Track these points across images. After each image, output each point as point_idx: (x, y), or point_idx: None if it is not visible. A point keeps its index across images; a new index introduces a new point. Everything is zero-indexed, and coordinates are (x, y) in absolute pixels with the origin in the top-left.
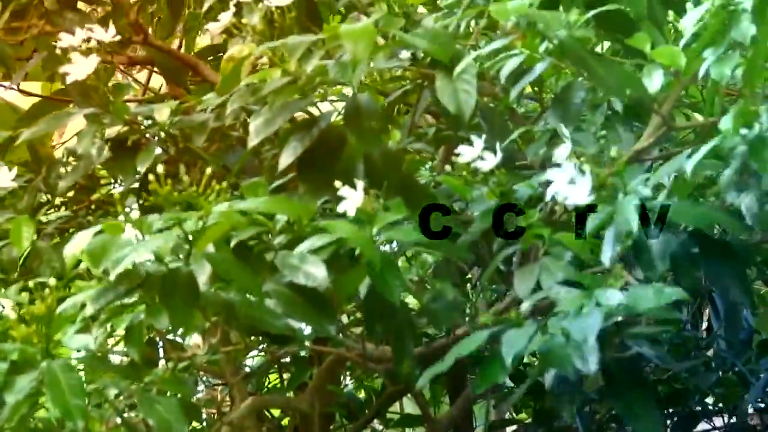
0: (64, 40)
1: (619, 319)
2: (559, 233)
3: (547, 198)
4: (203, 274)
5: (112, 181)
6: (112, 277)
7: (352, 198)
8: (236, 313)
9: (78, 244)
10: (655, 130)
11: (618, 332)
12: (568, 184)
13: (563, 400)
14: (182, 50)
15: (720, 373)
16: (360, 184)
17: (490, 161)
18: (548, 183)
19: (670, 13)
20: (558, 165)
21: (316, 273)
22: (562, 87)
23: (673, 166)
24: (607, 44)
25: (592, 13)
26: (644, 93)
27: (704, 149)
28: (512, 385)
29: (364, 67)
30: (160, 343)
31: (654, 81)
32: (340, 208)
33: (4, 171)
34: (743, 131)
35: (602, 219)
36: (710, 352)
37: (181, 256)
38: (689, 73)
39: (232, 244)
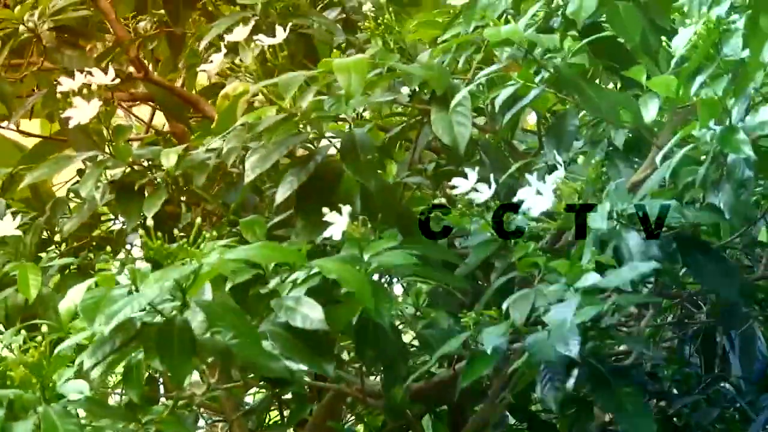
0: (64, 84)
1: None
2: (554, 261)
3: (519, 215)
4: (198, 319)
5: (113, 217)
6: (106, 332)
7: (338, 223)
8: (234, 358)
9: (72, 298)
10: (652, 162)
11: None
12: (535, 195)
13: (549, 396)
14: (183, 87)
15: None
16: (346, 209)
17: (484, 193)
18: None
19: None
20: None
21: (312, 315)
22: (556, 116)
23: (657, 177)
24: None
25: (586, 40)
26: (639, 119)
27: (681, 153)
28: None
29: (359, 99)
30: (161, 380)
31: (650, 110)
32: (326, 233)
33: (8, 218)
34: (713, 125)
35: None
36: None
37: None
38: (686, 98)
39: (228, 287)
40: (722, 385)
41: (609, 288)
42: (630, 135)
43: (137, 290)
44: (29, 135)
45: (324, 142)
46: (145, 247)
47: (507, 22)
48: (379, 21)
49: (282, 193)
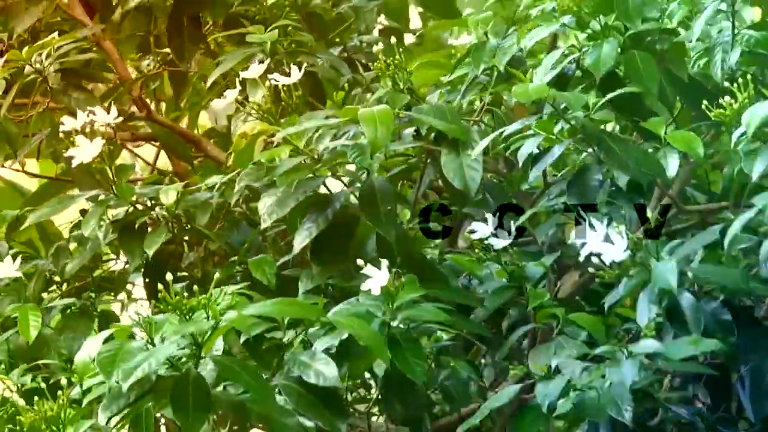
0: (67, 123)
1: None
2: (573, 313)
3: (581, 258)
4: (212, 372)
5: (114, 257)
6: (124, 388)
7: (378, 278)
8: (247, 412)
9: (88, 351)
10: (663, 211)
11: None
12: (603, 242)
13: None
14: (186, 126)
15: None
16: (384, 264)
17: (502, 239)
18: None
19: None
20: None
21: (326, 372)
22: (578, 167)
23: (705, 238)
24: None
25: (609, 96)
26: (662, 174)
27: (740, 223)
28: None
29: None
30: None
31: (671, 166)
32: (364, 287)
33: (9, 260)
34: None
35: (637, 282)
36: None
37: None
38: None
39: (242, 340)
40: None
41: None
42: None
43: (153, 344)
44: (34, 175)
45: (340, 185)
46: (163, 301)
47: (513, 66)
48: (388, 62)
49: (300, 241)
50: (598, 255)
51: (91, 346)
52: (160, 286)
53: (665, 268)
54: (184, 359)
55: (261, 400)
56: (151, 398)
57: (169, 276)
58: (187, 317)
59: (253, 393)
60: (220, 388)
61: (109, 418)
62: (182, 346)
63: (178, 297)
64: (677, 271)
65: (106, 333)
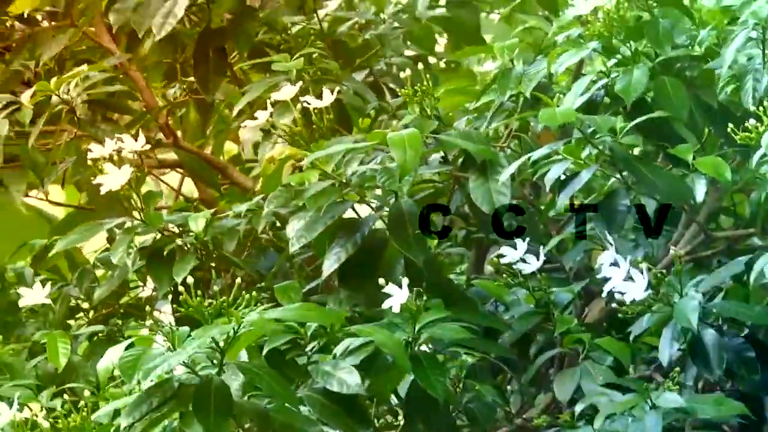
0: (95, 150)
1: None
2: (599, 338)
3: (604, 294)
4: (236, 383)
5: (141, 284)
6: (144, 387)
7: (398, 296)
8: (271, 421)
9: (110, 358)
10: (691, 237)
11: None
12: (625, 280)
13: None
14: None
15: None
16: (405, 282)
17: (533, 264)
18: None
19: None
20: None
21: (349, 380)
22: (606, 193)
23: (729, 271)
24: None
25: (637, 120)
26: (693, 200)
27: (765, 260)
28: None
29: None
30: None
31: (698, 192)
32: (385, 305)
33: (38, 287)
34: None
35: (659, 318)
36: None
37: (213, 361)
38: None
39: (265, 350)
40: None
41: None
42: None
43: (175, 350)
44: (58, 204)
45: (367, 209)
46: (183, 304)
47: (541, 90)
48: (416, 88)
49: (329, 266)
50: (620, 293)
51: (113, 354)
52: (181, 289)
53: (687, 306)
54: (206, 367)
55: (285, 408)
56: (173, 405)
57: (189, 279)
58: (209, 321)
59: (279, 400)
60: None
61: (132, 424)
62: (205, 355)
63: (199, 299)
64: (699, 309)
65: (127, 342)
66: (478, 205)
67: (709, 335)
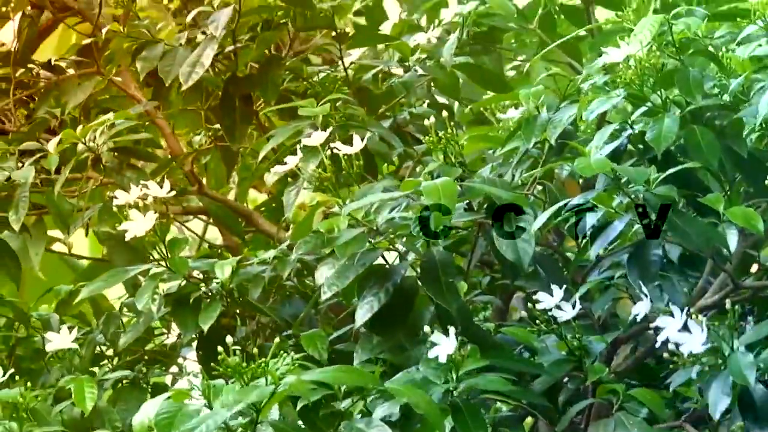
0: (121, 197)
1: None
2: (633, 389)
3: (658, 344)
4: None
5: (165, 331)
6: None
7: (445, 345)
8: None
9: (146, 413)
10: (720, 286)
11: None
12: (680, 331)
13: None
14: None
15: None
16: (452, 331)
17: (568, 312)
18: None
19: None
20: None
21: None
22: (637, 243)
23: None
24: None
25: (671, 171)
26: (727, 249)
27: None
28: None
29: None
30: None
31: (731, 242)
32: (431, 354)
33: (65, 332)
34: None
35: (710, 371)
36: None
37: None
38: None
39: (299, 405)
40: None
41: None
42: (686, 250)
43: (210, 407)
44: (80, 257)
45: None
46: (222, 364)
47: (566, 137)
48: (440, 135)
49: (362, 316)
50: (677, 344)
51: (149, 409)
52: (220, 349)
53: (743, 363)
54: (241, 425)
55: None
56: None
57: (229, 339)
58: (247, 382)
59: None
60: None
61: None
62: (241, 411)
63: (237, 360)
64: (755, 366)
65: (163, 396)
66: (503, 253)
67: (759, 390)
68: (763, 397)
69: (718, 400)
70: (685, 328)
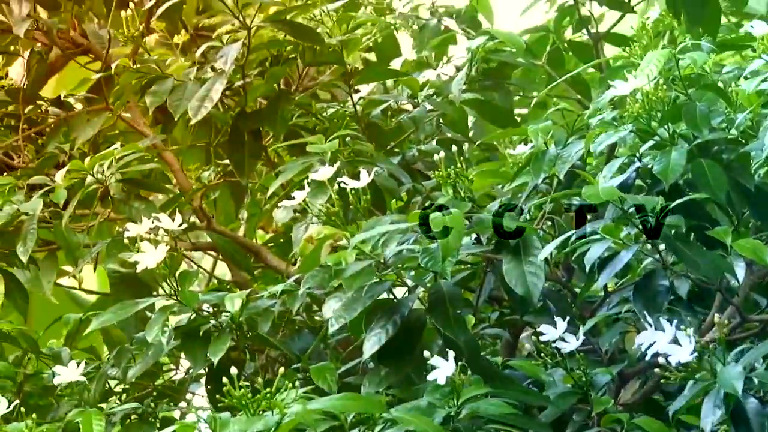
0: (131, 229)
1: None
2: (637, 418)
3: (648, 357)
4: None
5: (174, 367)
6: None
7: (444, 368)
8: None
9: None
10: (728, 320)
11: None
12: (670, 344)
13: None
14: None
15: None
16: (451, 354)
17: (571, 344)
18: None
19: None
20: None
21: None
22: (644, 273)
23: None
24: None
25: (678, 201)
26: (735, 279)
27: None
28: None
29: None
30: None
31: (739, 274)
32: (430, 377)
33: (72, 365)
34: None
35: (703, 386)
36: None
37: None
38: None
39: None
40: None
41: None
42: (694, 286)
43: None
44: (90, 292)
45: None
46: (227, 395)
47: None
48: (449, 170)
49: (369, 348)
50: (665, 356)
51: None
52: (225, 380)
53: (731, 374)
54: None
55: None
56: None
57: (233, 370)
58: (254, 414)
59: None
60: None
61: None
62: None
63: (243, 391)
64: (743, 376)
65: (170, 429)
66: (512, 287)
67: (752, 403)
68: (756, 410)
69: (709, 413)
70: (675, 341)
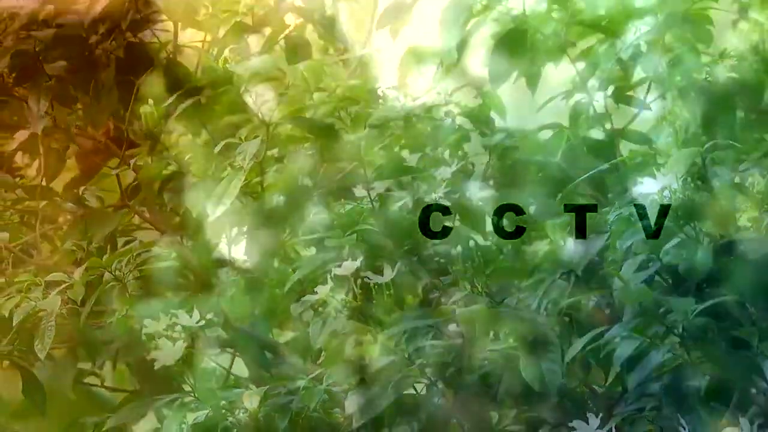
0: (149, 326)
1: None
2: None
3: None
4: None
5: None
6: None
7: None
8: None
9: None
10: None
11: None
12: None
13: None
14: None
15: None
16: None
17: None
18: None
19: None
20: None
21: None
22: (674, 372)
23: None
24: None
25: (709, 302)
26: (765, 381)
27: None
28: None
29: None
30: None
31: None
32: None
33: None
34: None
35: None
36: None
37: None
38: None
39: None
40: None
41: None
42: (713, 381)
43: None
44: (113, 390)
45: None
46: None
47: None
48: (466, 265)
49: None
50: None
51: None
52: None
53: None
54: None
55: None
56: None
57: None
58: None
59: None
60: None
61: None
62: None
63: None
64: None
65: None
66: (530, 383)
67: None
68: None
69: None
70: None
